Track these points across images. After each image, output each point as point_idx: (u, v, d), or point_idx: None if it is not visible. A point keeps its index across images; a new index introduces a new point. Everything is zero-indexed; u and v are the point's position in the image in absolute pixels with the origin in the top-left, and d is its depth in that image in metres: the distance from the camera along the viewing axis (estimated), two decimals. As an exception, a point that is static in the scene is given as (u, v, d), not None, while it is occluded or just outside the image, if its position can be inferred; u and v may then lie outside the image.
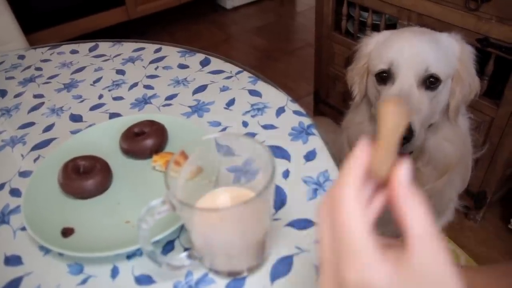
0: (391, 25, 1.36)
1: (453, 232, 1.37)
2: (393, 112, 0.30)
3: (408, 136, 0.69)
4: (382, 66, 0.78)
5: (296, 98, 0.78)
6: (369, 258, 0.27)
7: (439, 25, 1.13)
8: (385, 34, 0.82)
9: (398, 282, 0.26)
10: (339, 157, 0.65)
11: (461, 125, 0.84)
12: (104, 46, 1.03)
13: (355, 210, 0.28)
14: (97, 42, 1.05)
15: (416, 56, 0.74)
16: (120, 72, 0.92)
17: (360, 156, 0.30)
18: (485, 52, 1.04)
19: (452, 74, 0.77)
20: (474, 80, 0.78)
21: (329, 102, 1.80)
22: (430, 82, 0.74)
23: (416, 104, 0.72)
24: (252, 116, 0.73)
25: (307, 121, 0.71)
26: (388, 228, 0.70)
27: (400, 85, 0.74)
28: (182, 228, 0.54)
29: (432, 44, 0.75)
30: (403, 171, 0.28)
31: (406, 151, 0.73)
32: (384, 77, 0.78)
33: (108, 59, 0.97)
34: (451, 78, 0.77)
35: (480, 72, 0.86)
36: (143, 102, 0.81)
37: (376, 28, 1.38)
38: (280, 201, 0.57)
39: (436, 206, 0.94)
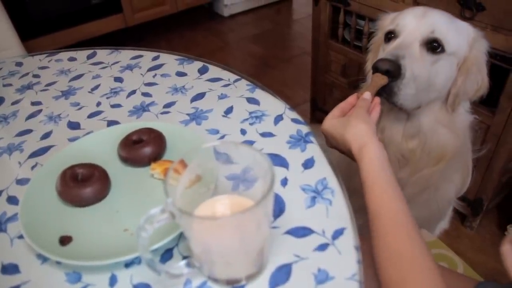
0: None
1: (450, 240, 1.38)
2: (377, 75, 0.70)
3: (394, 72, 0.69)
4: (391, 27, 0.78)
5: (293, 106, 0.78)
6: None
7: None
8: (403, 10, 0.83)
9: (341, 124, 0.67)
10: (337, 164, 0.66)
11: (461, 117, 0.83)
12: (102, 54, 1.03)
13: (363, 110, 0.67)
14: (95, 50, 1.05)
15: (425, 18, 0.74)
16: (118, 79, 0.92)
17: (363, 101, 0.68)
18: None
19: (459, 57, 0.76)
20: (484, 78, 0.77)
21: (326, 109, 1.80)
22: (433, 46, 0.74)
23: (413, 58, 0.71)
24: (250, 124, 0.74)
25: (305, 129, 0.72)
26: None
27: (403, 39, 0.74)
28: (180, 236, 0.54)
29: (446, 17, 0.76)
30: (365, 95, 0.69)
31: (398, 96, 0.71)
32: (391, 37, 0.78)
33: (106, 67, 0.97)
34: (456, 64, 0.77)
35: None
36: (141, 109, 0.81)
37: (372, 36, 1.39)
38: (278, 209, 0.57)
39: (436, 206, 0.93)
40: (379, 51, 0.84)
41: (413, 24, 0.75)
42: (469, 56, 0.76)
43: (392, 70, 0.69)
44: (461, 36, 0.76)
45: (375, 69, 0.70)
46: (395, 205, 0.55)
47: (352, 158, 0.64)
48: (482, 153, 1.05)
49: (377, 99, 0.71)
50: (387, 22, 0.84)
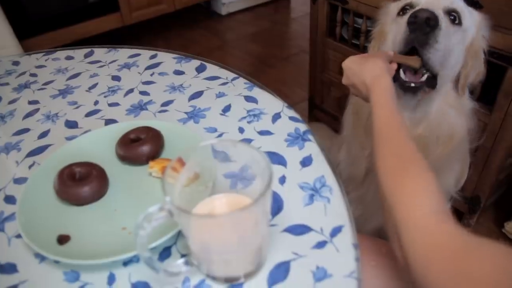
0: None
1: (447, 237, 1.38)
2: (414, 57, 0.74)
3: (433, 21, 0.70)
4: (407, 0, 0.80)
5: (291, 104, 0.78)
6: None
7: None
8: None
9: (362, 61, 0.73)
10: (335, 162, 0.66)
11: (466, 101, 0.85)
12: (100, 52, 1.03)
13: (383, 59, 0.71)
14: (93, 48, 1.05)
15: None
16: (116, 78, 0.92)
17: (386, 51, 0.75)
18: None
19: (468, 36, 0.78)
20: (481, 64, 0.80)
21: (324, 108, 1.80)
22: (452, 18, 0.75)
23: (440, 16, 0.72)
24: (248, 122, 0.74)
25: (303, 127, 0.72)
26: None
27: (426, 4, 0.75)
28: (179, 234, 0.54)
29: None
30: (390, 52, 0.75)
31: (430, 48, 0.72)
32: (407, 11, 0.79)
33: (104, 65, 0.97)
34: (465, 44, 0.78)
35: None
36: (139, 108, 0.81)
37: (370, 35, 1.39)
38: (276, 207, 0.57)
39: None
40: (392, 28, 0.84)
41: None
42: (476, 38, 0.79)
43: (432, 18, 0.70)
44: (472, 15, 0.78)
45: (413, 17, 0.70)
46: (401, 122, 0.60)
47: (364, 94, 0.71)
48: (480, 143, 1.06)
49: (394, 65, 0.74)
50: (392, 8, 0.85)
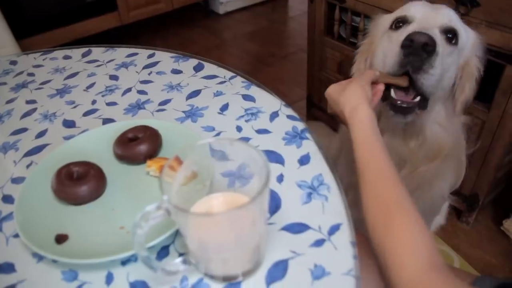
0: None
1: (446, 235, 1.38)
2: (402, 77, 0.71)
3: (431, 46, 0.65)
4: (400, 13, 0.75)
5: (289, 103, 0.78)
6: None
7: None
8: None
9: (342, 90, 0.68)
10: (333, 159, 0.66)
11: (456, 117, 0.83)
12: (97, 52, 1.03)
13: (361, 83, 0.67)
14: (90, 48, 1.05)
15: (439, 10, 0.73)
16: (114, 77, 0.92)
17: (371, 72, 0.71)
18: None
19: (462, 56, 0.75)
20: (474, 84, 0.77)
21: (322, 106, 1.80)
22: (448, 37, 0.71)
23: (438, 40, 0.67)
24: (246, 121, 0.74)
25: (300, 125, 0.72)
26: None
27: (420, 24, 0.71)
28: (177, 233, 0.54)
29: (455, 13, 0.75)
30: (376, 72, 0.71)
31: (424, 74, 0.68)
32: (400, 26, 0.75)
33: (101, 65, 0.97)
34: (459, 63, 0.75)
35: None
36: (136, 107, 0.81)
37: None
38: (274, 205, 0.57)
39: (430, 202, 0.93)
40: (383, 41, 0.80)
41: (428, 12, 0.73)
42: (470, 57, 0.76)
43: (430, 44, 0.65)
44: (467, 33, 0.76)
45: (409, 41, 0.65)
46: (383, 160, 0.58)
47: (346, 122, 0.67)
48: (476, 148, 1.05)
49: (381, 86, 0.71)
50: (383, 21, 0.82)
